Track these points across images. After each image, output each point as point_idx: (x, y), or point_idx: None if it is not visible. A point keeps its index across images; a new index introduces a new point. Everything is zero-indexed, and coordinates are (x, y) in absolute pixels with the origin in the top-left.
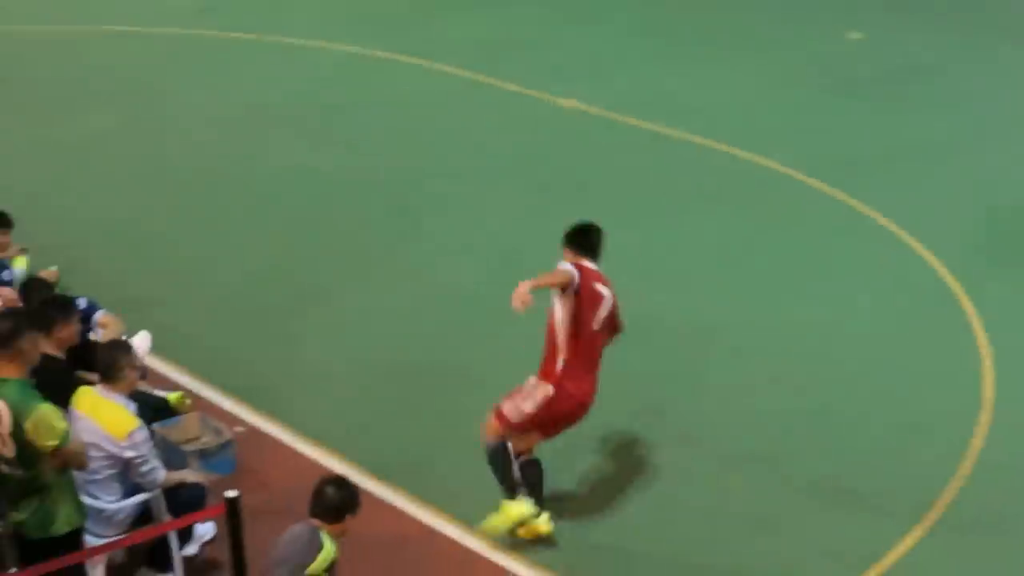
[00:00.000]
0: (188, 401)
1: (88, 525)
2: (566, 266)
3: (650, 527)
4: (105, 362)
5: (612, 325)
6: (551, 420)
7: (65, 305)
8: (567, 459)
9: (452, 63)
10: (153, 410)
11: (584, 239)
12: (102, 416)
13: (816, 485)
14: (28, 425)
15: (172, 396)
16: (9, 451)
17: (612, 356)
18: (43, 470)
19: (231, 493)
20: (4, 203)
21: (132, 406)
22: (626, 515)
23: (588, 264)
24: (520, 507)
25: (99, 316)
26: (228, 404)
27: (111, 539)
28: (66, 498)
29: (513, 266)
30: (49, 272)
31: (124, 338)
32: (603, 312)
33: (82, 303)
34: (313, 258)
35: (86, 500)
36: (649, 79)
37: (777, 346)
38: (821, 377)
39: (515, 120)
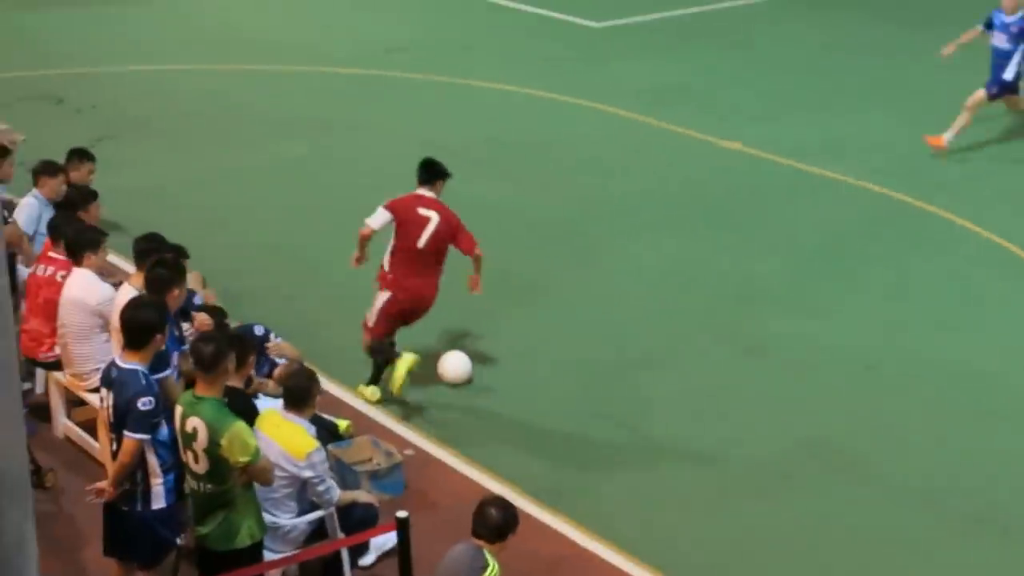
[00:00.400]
0: (353, 429)
1: (264, 540)
2: (371, 218)
3: (802, 550)
4: (299, 389)
5: (450, 240)
6: (399, 313)
7: (247, 340)
8: (729, 495)
9: (625, 106)
10: (328, 433)
11: (421, 172)
12: (283, 437)
13: (979, 518)
14: (223, 442)
15: (341, 424)
16: (202, 467)
17: (778, 386)
18: (231, 485)
19: (401, 513)
20: (188, 228)
21: (312, 429)
22: (778, 537)
23: (422, 192)
24: (403, 365)
25: (274, 342)
26: (398, 428)
27: (286, 554)
28: (250, 512)
29: (685, 294)
30: (207, 293)
31: (305, 364)
32: (429, 230)
33: (259, 330)
34: (485, 286)
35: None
36: (816, 123)
37: (942, 380)
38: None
39: (681, 160)
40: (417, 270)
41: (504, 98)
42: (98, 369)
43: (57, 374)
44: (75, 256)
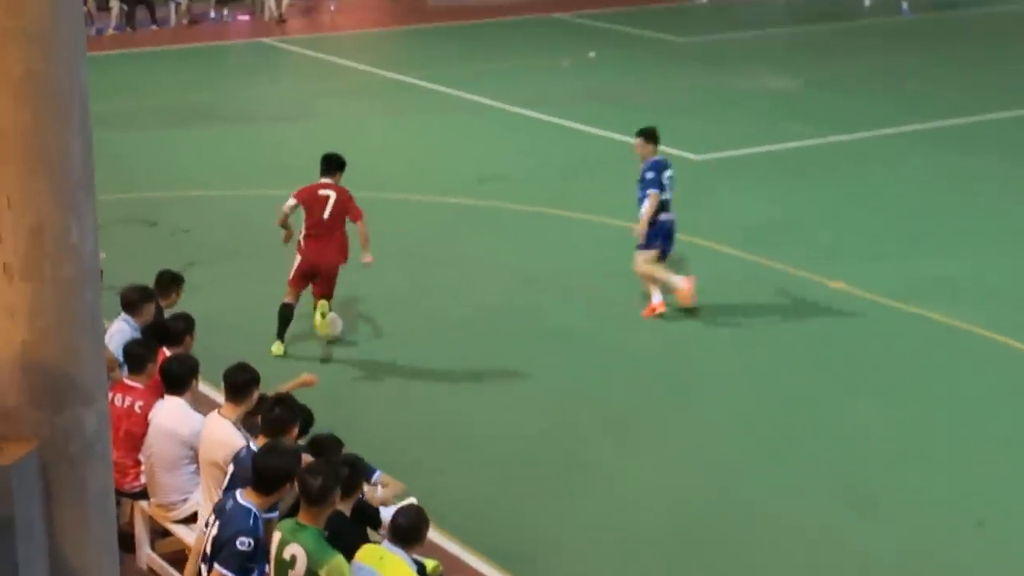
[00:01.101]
0: (442, 569)
1: None
2: (284, 204)
3: None
4: (412, 527)
5: (346, 212)
6: (301, 274)
7: (359, 468)
8: None
9: (726, 242)
10: (420, 568)
11: (322, 164)
12: (387, 570)
13: None
14: (322, 572)
15: (429, 564)
16: None
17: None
18: None
19: None
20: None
21: (414, 565)
22: None
23: (324, 180)
24: (318, 314)
25: (377, 476)
26: (491, 571)
27: None
28: None
29: (781, 437)
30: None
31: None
32: (329, 206)
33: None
34: (585, 427)
35: None
36: (924, 262)
37: None
38: None
39: (786, 299)
40: (321, 238)
41: (602, 231)
42: (184, 499)
43: (143, 503)
44: (174, 387)
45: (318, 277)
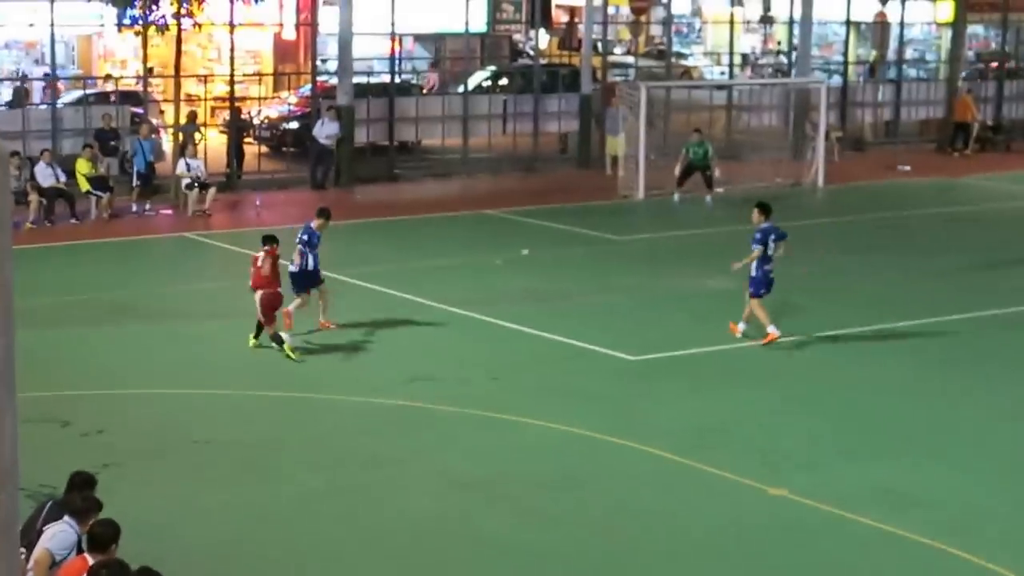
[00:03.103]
0: None
1: None
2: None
3: None
4: None
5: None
6: (270, 306)
7: None
8: None
9: (664, 447)
10: None
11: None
12: None
13: None
14: None
15: None
16: None
17: None
18: None
19: None
20: (195, 567)
21: None
22: None
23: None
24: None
25: None
26: None
27: None
28: None
29: None
30: None
31: None
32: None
33: None
34: None
35: None
36: (866, 471)
37: None
38: None
39: (725, 506)
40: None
41: (535, 433)
42: None
43: None
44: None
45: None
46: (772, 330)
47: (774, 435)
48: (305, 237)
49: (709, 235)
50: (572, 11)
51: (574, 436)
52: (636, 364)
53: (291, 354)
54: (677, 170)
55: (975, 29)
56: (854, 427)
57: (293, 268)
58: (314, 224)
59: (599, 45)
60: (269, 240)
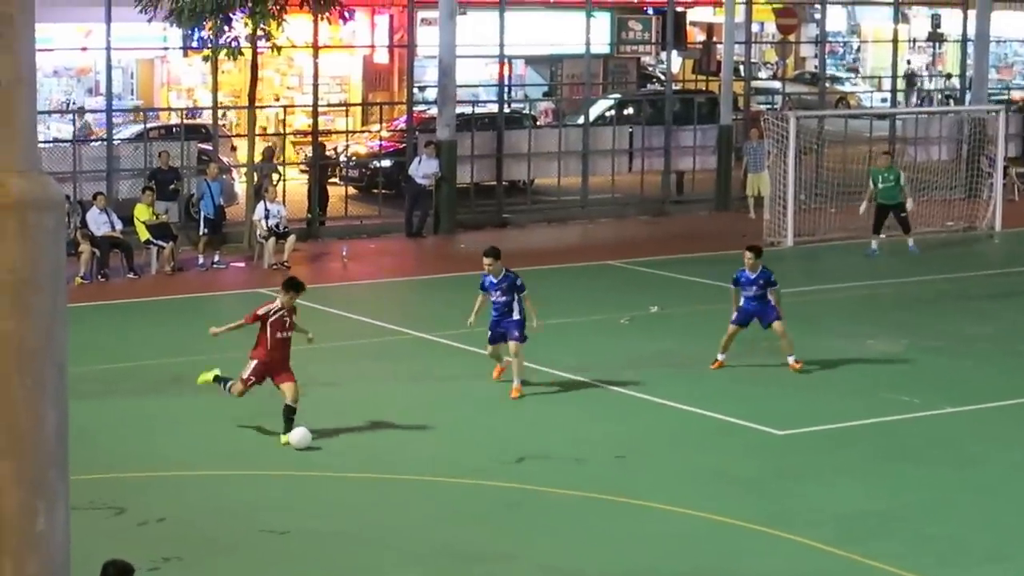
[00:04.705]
0: None
1: None
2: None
3: None
4: None
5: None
6: (256, 373)
7: None
8: None
9: (817, 537)
10: None
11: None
12: None
13: None
14: None
15: None
16: None
17: None
18: None
19: None
20: None
21: None
22: None
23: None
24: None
25: None
26: None
27: None
28: None
29: None
30: None
31: None
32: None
33: None
34: None
35: None
36: None
37: None
38: None
39: None
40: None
41: (668, 521)
42: None
43: None
44: None
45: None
46: (720, 357)
47: (953, 523)
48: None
49: (870, 289)
50: (710, 29)
51: (716, 525)
52: (784, 439)
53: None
54: (863, 208)
55: None
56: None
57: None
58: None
59: (741, 68)
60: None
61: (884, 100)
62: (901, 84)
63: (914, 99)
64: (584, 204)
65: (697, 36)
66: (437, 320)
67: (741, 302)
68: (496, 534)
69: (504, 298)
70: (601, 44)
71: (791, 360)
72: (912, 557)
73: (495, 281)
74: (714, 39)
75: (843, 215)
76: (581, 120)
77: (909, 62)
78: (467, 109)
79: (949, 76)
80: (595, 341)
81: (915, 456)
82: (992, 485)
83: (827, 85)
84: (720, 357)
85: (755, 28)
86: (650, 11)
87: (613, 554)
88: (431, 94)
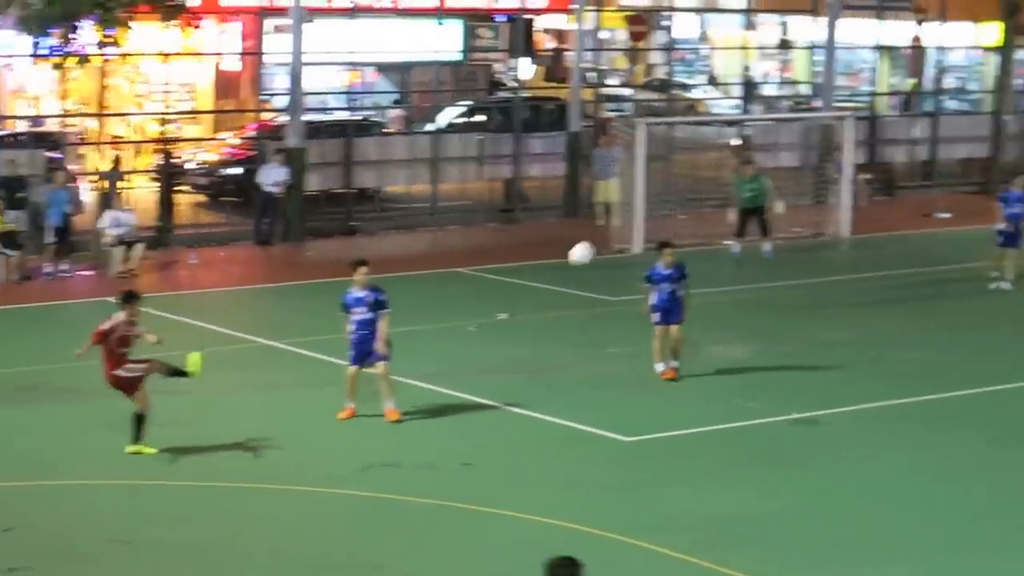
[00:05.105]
0: None
1: None
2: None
3: None
4: None
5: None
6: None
7: None
8: None
9: (672, 544)
10: None
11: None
12: None
13: None
14: None
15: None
16: None
17: None
18: None
19: None
20: None
21: None
22: None
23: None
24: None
25: None
26: None
27: None
28: None
29: None
30: None
31: None
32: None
33: None
34: None
35: None
36: (905, 570)
37: None
38: None
39: None
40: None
41: (520, 529)
42: None
43: None
44: None
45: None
46: (660, 367)
47: (803, 528)
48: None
49: (721, 295)
50: (560, 36)
51: (570, 532)
52: (634, 446)
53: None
54: (731, 216)
55: None
56: (899, 518)
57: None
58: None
59: (591, 76)
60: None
61: (735, 108)
62: (751, 92)
63: (755, 105)
64: (434, 211)
65: (548, 43)
66: (285, 328)
67: (654, 300)
68: (354, 543)
69: (369, 315)
70: (452, 51)
71: (673, 365)
72: (762, 563)
73: (359, 297)
74: (564, 46)
75: (693, 221)
76: (431, 127)
77: (747, 68)
78: (317, 117)
79: (798, 83)
80: (444, 348)
81: (768, 461)
82: (843, 490)
83: (676, 92)
84: (660, 367)
85: (606, 35)
86: (502, 18)
87: (471, 563)
88: (280, 102)
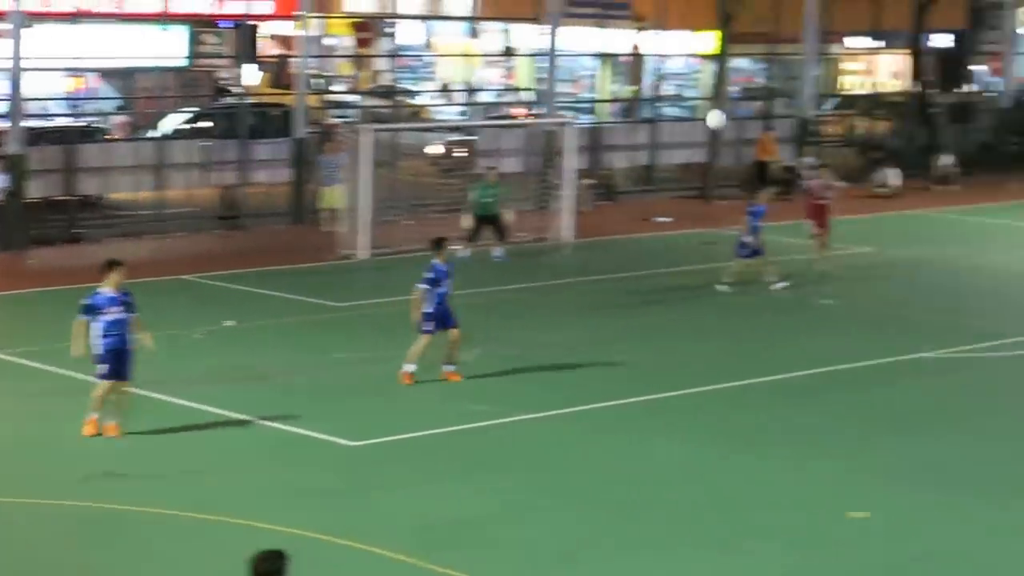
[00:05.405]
0: None
1: None
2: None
3: None
4: None
5: None
6: None
7: None
8: None
9: (396, 547)
10: None
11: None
12: None
13: None
14: None
15: None
16: None
17: None
18: None
19: None
20: None
21: None
22: None
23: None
24: None
25: None
26: None
27: None
28: None
29: None
30: None
31: None
32: None
33: None
34: None
35: None
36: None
37: None
38: None
39: None
40: None
41: (239, 536)
42: None
43: None
44: None
45: None
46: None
47: (524, 527)
48: None
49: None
50: (285, 42)
51: (293, 538)
52: (361, 450)
53: None
54: (465, 221)
55: (740, 63)
56: (629, 517)
57: None
58: None
59: (316, 82)
60: None
61: (462, 114)
62: (475, 97)
63: (489, 112)
64: (160, 218)
65: (273, 49)
66: (6, 338)
67: (430, 308)
68: (71, 555)
69: (123, 315)
70: (177, 57)
71: (452, 369)
72: (481, 564)
73: (113, 297)
74: (289, 52)
75: (419, 226)
76: (155, 134)
77: (472, 75)
78: (37, 123)
79: (521, 90)
80: (169, 356)
81: (491, 463)
82: (567, 490)
83: (402, 98)
84: (409, 368)
85: (331, 41)
86: (228, 24)
87: (192, 571)
88: (0, 107)
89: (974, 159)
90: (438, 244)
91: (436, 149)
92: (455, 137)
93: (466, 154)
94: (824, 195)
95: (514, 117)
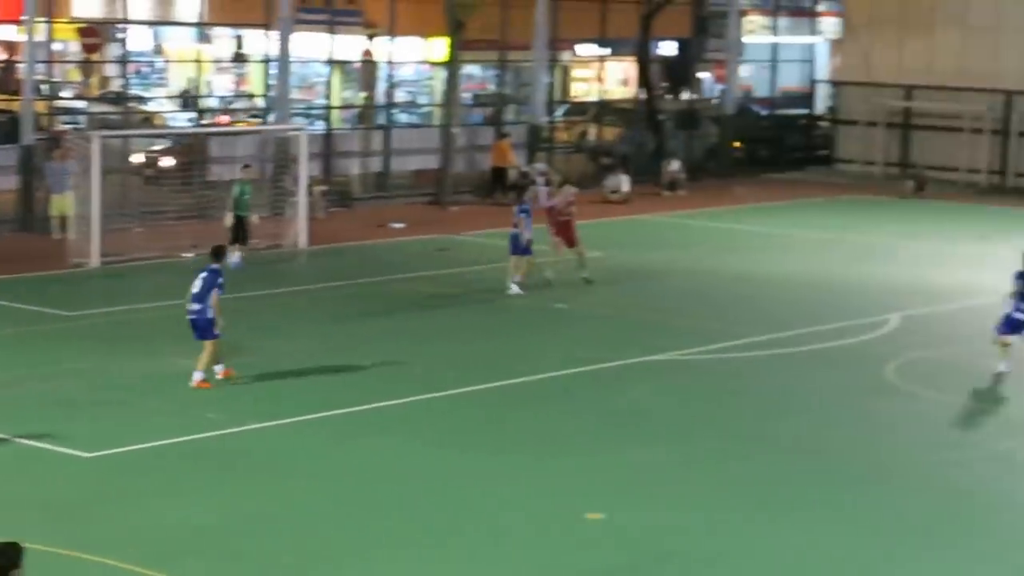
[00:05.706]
0: None
1: None
2: None
3: None
4: None
5: None
6: None
7: None
8: None
9: (128, 557)
10: None
11: None
12: None
13: None
14: None
15: None
16: None
17: None
18: None
19: None
20: None
21: None
22: None
23: None
24: None
25: None
26: None
27: None
28: None
29: None
30: None
31: None
32: None
33: None
34: None
35: None
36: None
37: None
38: None
39: None
40: None
41: None
42: None
43: None
44: None
45: None
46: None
47: (261, 538)
48: None
49: (178, 308)
50: (10, 48)
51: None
52: (94, 462)
53: None
54: (228, 220)
55: (472, 69)
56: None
57: None
58: None
59: (43, 88)
60: None
61: (192, 120)
62: (208, 104)
63: (223, 118)
64: None
65: None
66: None
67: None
68: None
69: None
70: None
71: (203, 376)
72: (221, 574)
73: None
74: (15, 57)
75: (150, 234)
76: None
77: (200, 81)
78: None
79: (253, 96)
80: None
81: (229, 473)
82: (305, 498)
83: (132, 104)
84: (199, 376)
85: (58, 47)
86: None
87: None
88: None
89: (700, 165)
90: (219, 252)
91: (139, 158)
92: (159, 146)
93: (174, 163)
94: (567, 211)
95: (228, 124)
